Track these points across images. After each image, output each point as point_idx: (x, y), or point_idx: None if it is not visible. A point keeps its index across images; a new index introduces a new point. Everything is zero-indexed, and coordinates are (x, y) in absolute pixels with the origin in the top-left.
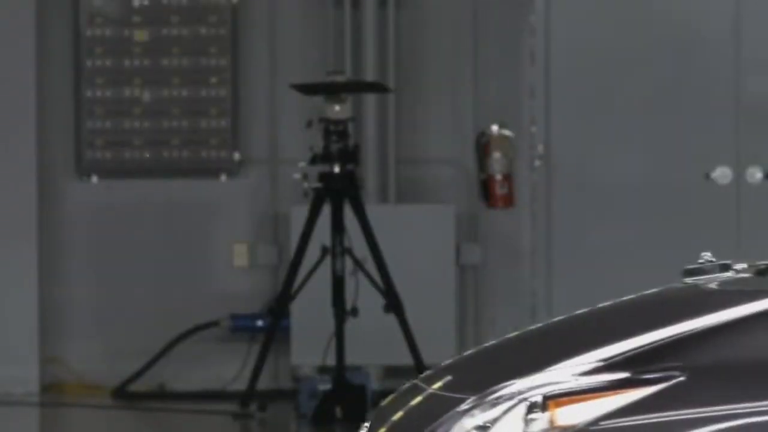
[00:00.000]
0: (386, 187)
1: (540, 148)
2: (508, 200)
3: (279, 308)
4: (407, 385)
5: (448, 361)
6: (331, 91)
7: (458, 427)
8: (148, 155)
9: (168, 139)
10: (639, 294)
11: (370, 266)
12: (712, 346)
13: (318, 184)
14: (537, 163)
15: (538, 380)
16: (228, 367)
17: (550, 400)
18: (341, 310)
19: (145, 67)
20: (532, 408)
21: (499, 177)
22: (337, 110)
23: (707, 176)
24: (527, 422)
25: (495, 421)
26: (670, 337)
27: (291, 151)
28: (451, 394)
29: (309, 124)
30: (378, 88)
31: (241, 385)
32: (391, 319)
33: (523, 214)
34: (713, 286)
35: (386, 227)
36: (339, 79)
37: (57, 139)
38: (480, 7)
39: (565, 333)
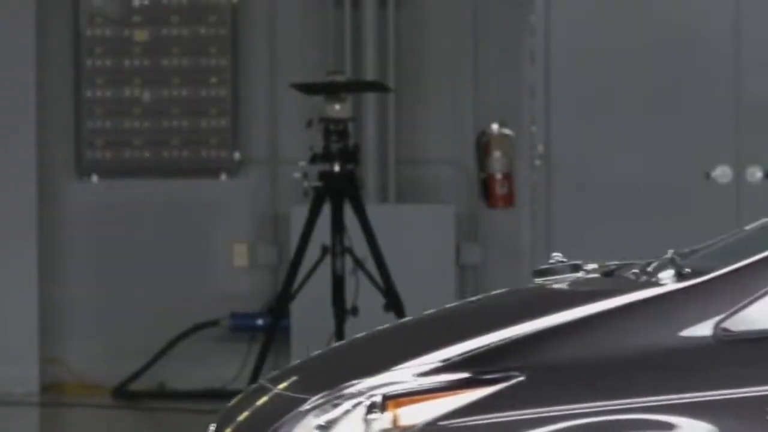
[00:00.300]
0: (386, 187)
1: (540, 148)
2: (508, 200)
3: (279, 308)
4: (254, 385)
5: (295, 362)
6: (331, 90)
7: (300, 427)
8: (148, 155)
9: (168, 139)
10: (486, 294)
11: (370, 266)
12: (552, 347)
13: (318, 184)
14: (537, 162)
15: (379, 380)
16: (228, 367)
17: (389, 401)
18: (341, 310)
19: (145, 67)
20: (371, 408)
21: (499, 176)
22: (337, 110)
23: (707, 176)
24: (367, 422)
25: (335, 421)
26: (511, 337)
27: (291, 151)
28: (294, 394)
29: (309, 123)
30: (378, 87)
31: (241, 385)
32: (391, 319)
33: (523, 213)
34: (559, 286)
35: (386, 227)
36: (339, 78)
37: (57, 139)
38: (480, 7)
39: (410, 333)
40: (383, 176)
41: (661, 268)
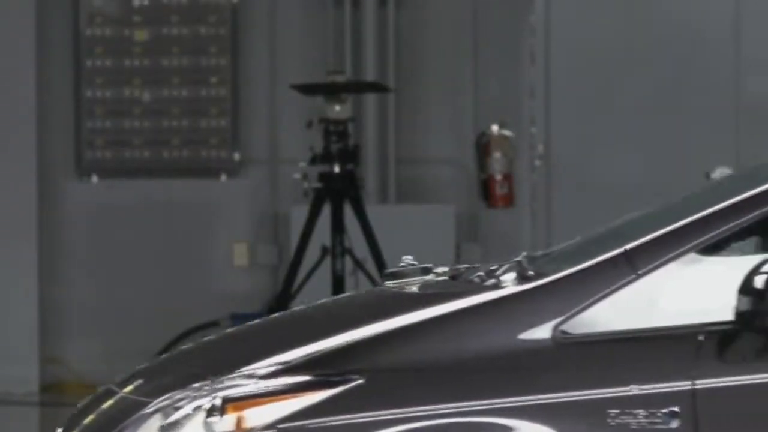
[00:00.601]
0: (386, 187)
1: (540, 148)
2: (508, 200)
3: (279, 308)
4: (102, 389)
5: (143, 365)
6: (331, 91)
7: (143, 429)
8: (148, 155)
9: (168, 139)
10: (332, 298)
11: (370, 266)
12: (391, 349)
13: (318, 184)
14: (537, 163)
15: (220, 383)
16: None
17: (229, 404)
18: None
19: (145, 67)
20: (211, 411)
21: (499, 177)
22: (337, 110)
23: (707, 176)
24: (207, 425)
25: (176, 424)
26: (352, 340)
27: (291, 151)
28: (138, 397)
29: (309, 124)
30: (378, 87)
31: None
32: None
33: (523, 214)
34: (408, 289)
35: (386, 227)
36: (339, 79)
37: (57, 139)
38: (480, 7)
39: (256, 335)
40: (383, 176)
41: (506, 270)
